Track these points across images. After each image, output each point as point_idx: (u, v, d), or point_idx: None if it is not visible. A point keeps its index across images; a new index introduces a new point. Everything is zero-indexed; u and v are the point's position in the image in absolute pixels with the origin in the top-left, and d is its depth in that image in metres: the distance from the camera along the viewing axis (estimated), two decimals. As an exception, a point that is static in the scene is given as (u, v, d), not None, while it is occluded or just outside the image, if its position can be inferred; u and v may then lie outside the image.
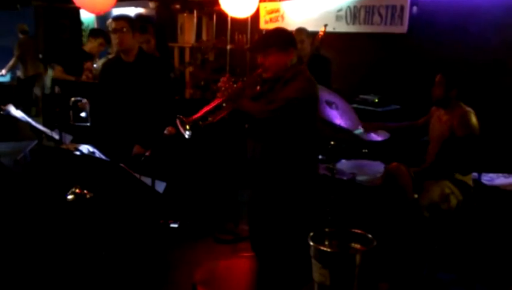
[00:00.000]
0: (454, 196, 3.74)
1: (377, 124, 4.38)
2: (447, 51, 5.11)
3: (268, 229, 3.35)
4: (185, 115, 3.06)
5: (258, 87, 3.30)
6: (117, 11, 8.82)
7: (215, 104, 3.12)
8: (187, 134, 3.02)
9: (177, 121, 3.03)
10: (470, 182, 3.80)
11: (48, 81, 9.44)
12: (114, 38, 3.97)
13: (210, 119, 3.09)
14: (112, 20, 4.00)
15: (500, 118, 4.63)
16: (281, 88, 3.22)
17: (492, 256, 3.68)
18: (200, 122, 3.05)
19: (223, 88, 3.13)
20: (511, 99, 4.73)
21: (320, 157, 4.28)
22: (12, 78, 9.91)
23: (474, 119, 3.76)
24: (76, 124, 3.71)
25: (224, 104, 3.12)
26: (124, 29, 3.90)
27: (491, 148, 3.21)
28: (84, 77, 5.74)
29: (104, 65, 4.41)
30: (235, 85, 3.13)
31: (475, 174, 3.78)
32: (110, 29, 3.98)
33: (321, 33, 5.21)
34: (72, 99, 3.70)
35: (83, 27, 9.82)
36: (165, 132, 3.40)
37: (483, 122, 3.84)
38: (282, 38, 3.27)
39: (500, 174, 4.04)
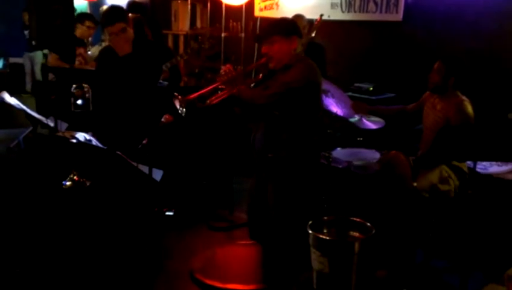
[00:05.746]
0: (451, 180, 3.77)
1: (367, 106, 4.39)
2: (442, 39, 5.11)
3: (269, 216, 3.38)
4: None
5: (261, 75, 3.32)
6: (110, -2, 8.76)
7: (213, 86, 3.19)
8: (180, 110, 3.14)
9: (174, 99, 3.10)
10: (465, 169, 3.83)
11: (38, 68, 9.37)
12: (117, 41, 3.90)
13: (208, 101, 3.16)
14: (107, 26, 3.90)
15: (494, 106, 4.65)
16: (281, 74, 3.24)
17: (486, 244, 3.72)
18: (198, 104, 3.12)
19: (223, 74, 3.18)
20: (506, 88, 4.75)
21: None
22: (5, 65, 9.82)
23: (470, 108, 3.77)
24: (77, 110, 3.69)
25: (222, 88, 3.20)
26: (124, 29, 3.87)
27: (486, 137, 3.22)
28: (77, 63, 5.70)
29: (100, 53, 4.36)
30: (234, 71, 3.20)
31: (470, 162, 3.81)
32: (108, 33, 3.91)
33: (317, 22, 5.20)
34: (74, 86, 3.67)
35: (76, 13, 9.72)
36: (162, 119, 3.40)
37: (478, 110, 3.86)
38: (286, 26, 3.28)
39: (494, 163, 4.07)
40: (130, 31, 3.96)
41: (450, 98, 3.83)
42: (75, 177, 3.39)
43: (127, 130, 3.94)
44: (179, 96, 3.12)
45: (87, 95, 3.68)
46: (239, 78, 3.20)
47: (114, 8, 4.11)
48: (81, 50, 5.74)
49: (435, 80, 3.88)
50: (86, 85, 3.74)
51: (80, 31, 5.89)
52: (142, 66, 3.95)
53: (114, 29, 3.85)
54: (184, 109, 3.12)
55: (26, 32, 9.58)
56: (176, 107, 3.14)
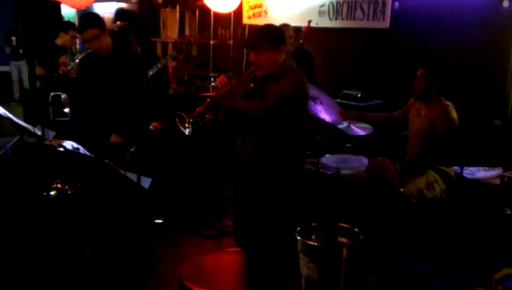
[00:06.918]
0: (437, 185, 3.81)
1: (355, 113, 4.42)
2: (428, 46, 5.16)
3: (255, 224, 3.37)
4: (172, 110, 3.09)
5: (252, 85, 3.33)
6: (98, 6, 8.73)
7: (211, 102, 3.17)
8: (187, 131, 3.07)
9: (176, 118, 3.06)
10: (452, 173, 3.87)
11: (26, 77, 9.32)
12: (91, 47, 3.89)
13: (207, 116, 3.13)
14: (81, 32, 3.86)
15: (481, 112, 4.69)
16: (273, 84, 3.25)
17: (473, 248, 3.75)
18: (198, 120, 3.09)
19: (219, 86, 3.17)
20: (491, 94, 4.80)
21: (304, 152, 4.31)
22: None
23: (454, 113, 3.82)
24: (56, 119, 3.67)
25: (220, 102, 3.17)
26: (97, 36, 3.82)
27: (473, 142, 3.26)
28: (60, 72, 5.69)
29: (81, 60, 4.35)
30: (229, 84, 3.18)
31: (457, 168, 3.84)
32: (83, 39, 3.89)
33: (305, 29, 5.23)
34: (52, 94, 3.65)
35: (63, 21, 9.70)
36: (151, 127, 3.39)
37: (465, 116, 3.90)
38: (273, 36, 3.30)
39: (481, 168, 4.11)
40: (106, 39, 3.91)
41: (434, 103, 3.88)
42: (58, 185, 3.37)
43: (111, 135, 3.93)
44: (184, 115, 3.06)
45: (66, 103, 3.66)
46: (234, 90, 3.21)
47: (88, 14, 4.05)
48: (63, 58, 5.74)
49: (418, 87, 3.93)
50: (63, 94, 3.72)
51: (62, 40, 5.89)
52: (124, 74, 3.93)
53: (87, 35, 3.81)
54: (190, 129, 3.06)
55: (13, 39, 9.57)
56: (179, 127, 3.08)
